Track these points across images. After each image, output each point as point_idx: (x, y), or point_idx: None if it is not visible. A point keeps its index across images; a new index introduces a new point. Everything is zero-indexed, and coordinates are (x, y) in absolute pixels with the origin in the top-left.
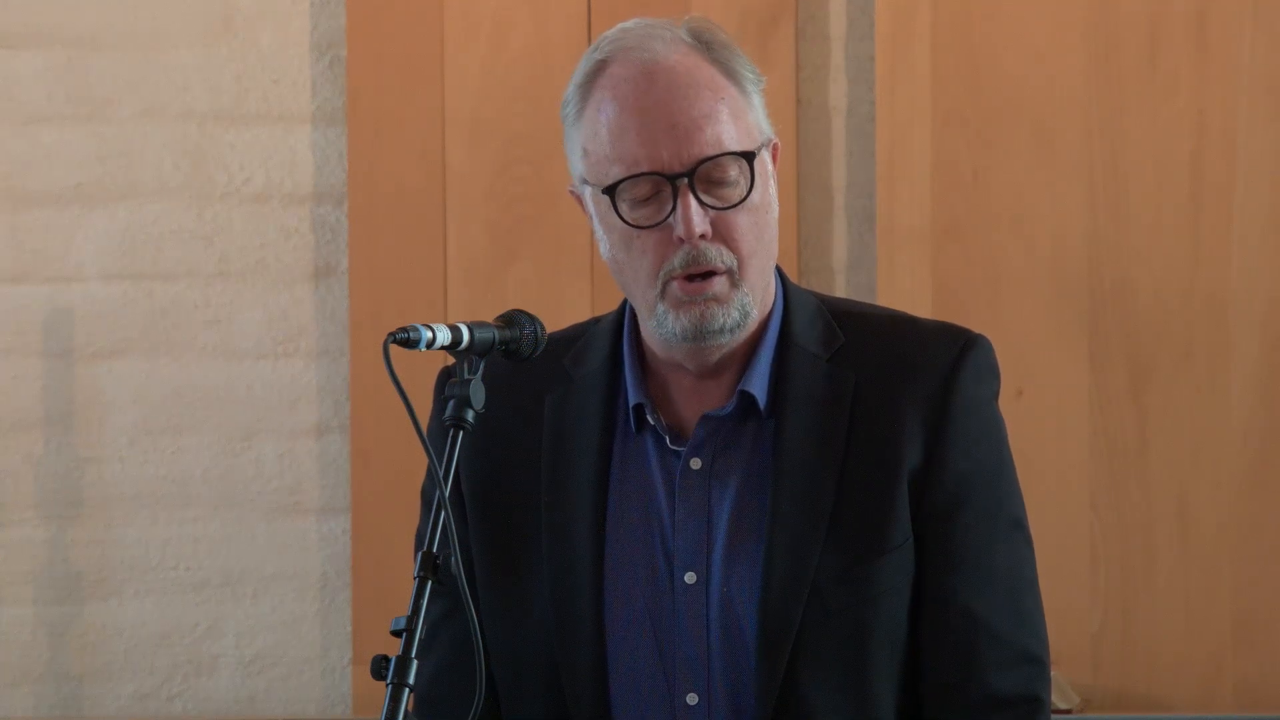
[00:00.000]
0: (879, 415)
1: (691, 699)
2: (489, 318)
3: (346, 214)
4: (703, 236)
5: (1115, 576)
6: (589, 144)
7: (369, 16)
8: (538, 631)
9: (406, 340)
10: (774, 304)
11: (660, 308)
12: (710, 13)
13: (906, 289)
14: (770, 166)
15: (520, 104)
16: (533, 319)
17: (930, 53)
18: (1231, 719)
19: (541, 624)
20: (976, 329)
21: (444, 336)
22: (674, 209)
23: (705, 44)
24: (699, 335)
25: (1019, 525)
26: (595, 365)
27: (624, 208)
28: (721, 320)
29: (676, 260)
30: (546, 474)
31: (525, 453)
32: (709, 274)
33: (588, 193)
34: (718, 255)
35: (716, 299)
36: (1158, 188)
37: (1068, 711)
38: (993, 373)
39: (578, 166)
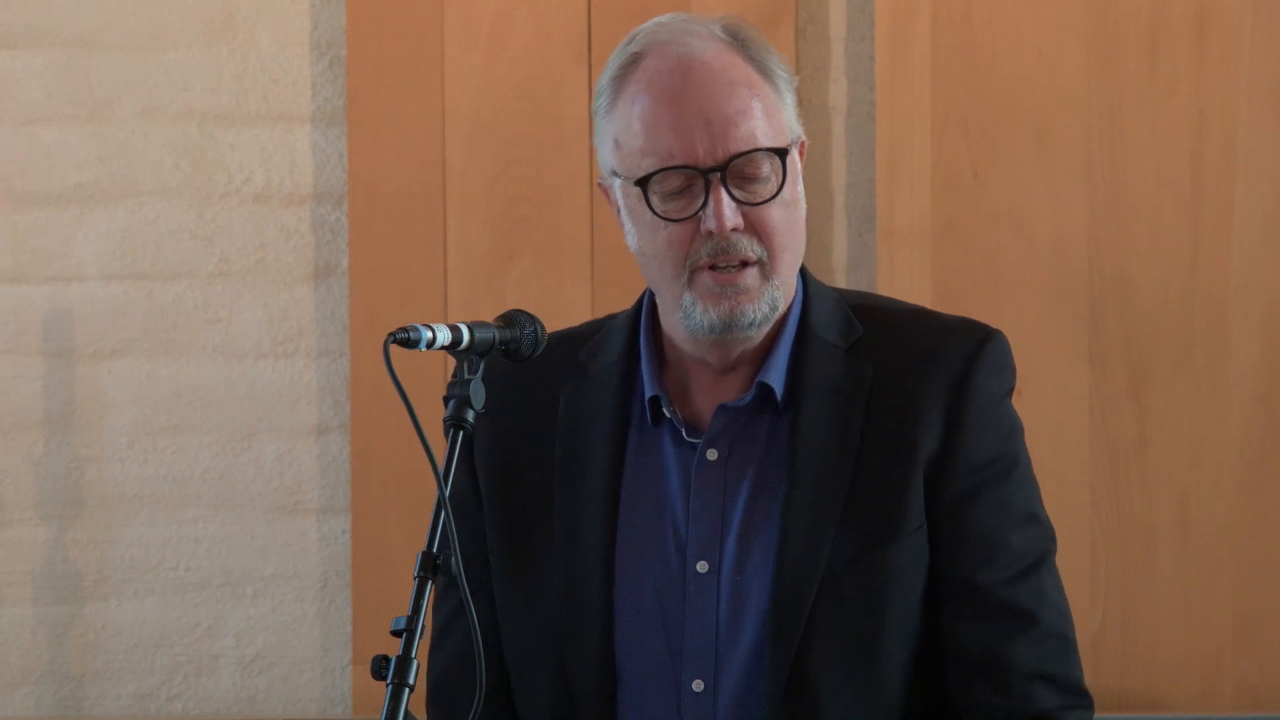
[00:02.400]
0: (896, 405)
1: (697, 686)
2: (489, 318)
3: (346, 214)
4: (734, 230)
5: (1115, 576)
6: (621, 136)
7: (369, 16)
8: (548, 619)
9: (406, 340)
10: (794, 297)
11: (688, 298)
12: (710, 12)
13: (906, 289)
14: (799, 165)
15: (520, 104)
16: (533, 319)
17: (930, 53)
18: (1231, 719)
19: (552, 611)
20: None
21: (444, 336)
22: (705, 203)
23: (740, 41)
24: (728, 328)
25: (1034, 519)
26: (611, 359)
27: (655, 200)
28: (752, 315)
29: (704, 251)
30: (561, 465)
31: (540, 443)
32: (741, 264)
33: (617, 185)
34: (748, 246)
35: (747, 293)
36: (1158, 188)
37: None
38: (1009, 368)
39: (608, 159)
